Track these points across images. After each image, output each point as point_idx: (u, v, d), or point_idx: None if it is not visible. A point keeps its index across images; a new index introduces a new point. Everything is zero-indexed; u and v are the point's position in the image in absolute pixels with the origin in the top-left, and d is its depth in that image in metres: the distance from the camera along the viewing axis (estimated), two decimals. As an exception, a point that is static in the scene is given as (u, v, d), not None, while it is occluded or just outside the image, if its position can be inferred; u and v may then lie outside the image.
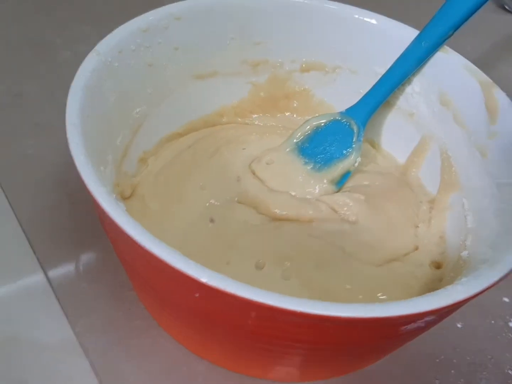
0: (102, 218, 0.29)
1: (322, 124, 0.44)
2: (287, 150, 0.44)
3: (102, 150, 0.35)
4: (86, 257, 0.44)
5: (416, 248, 0.41)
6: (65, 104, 0.48)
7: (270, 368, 0.36)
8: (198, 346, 0.38)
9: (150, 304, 0.39)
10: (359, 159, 0.44)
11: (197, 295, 0.26)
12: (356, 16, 0.44)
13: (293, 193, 0.42)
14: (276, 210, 0.41)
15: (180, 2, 0.41)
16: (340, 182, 0.44)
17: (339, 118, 0.44)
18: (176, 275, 0.25)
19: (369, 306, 0.24)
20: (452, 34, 0.41)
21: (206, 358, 0.39)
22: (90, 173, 0.28)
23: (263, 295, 0.24)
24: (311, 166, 0.44)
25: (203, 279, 0.24)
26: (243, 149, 0.46)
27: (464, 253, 0.37)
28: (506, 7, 0.80)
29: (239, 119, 0.49)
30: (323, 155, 0.44)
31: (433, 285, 0.38)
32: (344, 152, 0.44)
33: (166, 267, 0.25)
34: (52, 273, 0.42)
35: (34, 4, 0.68)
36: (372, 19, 0.44)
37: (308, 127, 0.44)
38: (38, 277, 0.42)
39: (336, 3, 0.45)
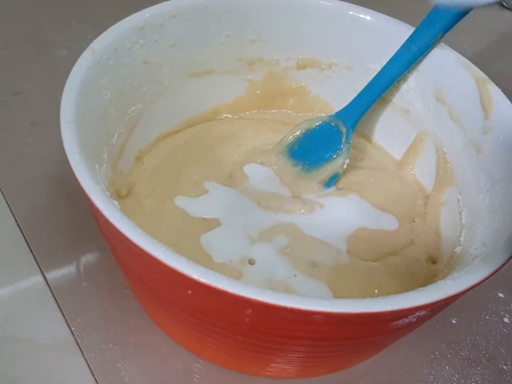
0: (96, 216, 0.29)
1: (312, 127, 0.45)
2: (278, 153, 0.45)
3: (98, 148, 0.35)
4: (83, 256, 0.44)
5: (412, 242, 0.41)
6: (61, 103, 0.48)
7: (265, 365, 0.36)
8: (193, 344, 0.38)
9: (145, 302, 0.39)
10: (347, 161, 0.44)
11: (190, 292, 0.26)
12: (351, 12, 0.44)
13: (282, 193, 0.43)
14: (265, 209, 0.41)
15: (176, 0, 0.41)
16: (329, 183, 0.44)
17: (329, 121, 0.45)
18: (169, 272, 0.25)
19: (359, 301, 0.25)
20: (442, 36, 0.41)
21: (201, 356, 0.39)
22: (84, 171, 0.29)
23: (255, 292, 0.24)
24: (300, 168, 0.44)
25: (195, 276, 0.24)
26: (238, 145, 0.46)
27: (458, 249, 0.37)
28: (504, 3, 0.80)
29: (235, 117, 0.49)
30: (312, 158, 0.44)
31: (428, 281, 0.39)
32: (333, 154, 0.44)
33: (159, 264, 0.25)
34: (49, 272, 0.43)
35: (33, 2, 0.69)
36: (367, 15, 0.44)
37: (299, 130, 0.45)
38: (35, 276, 0.42)
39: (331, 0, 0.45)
